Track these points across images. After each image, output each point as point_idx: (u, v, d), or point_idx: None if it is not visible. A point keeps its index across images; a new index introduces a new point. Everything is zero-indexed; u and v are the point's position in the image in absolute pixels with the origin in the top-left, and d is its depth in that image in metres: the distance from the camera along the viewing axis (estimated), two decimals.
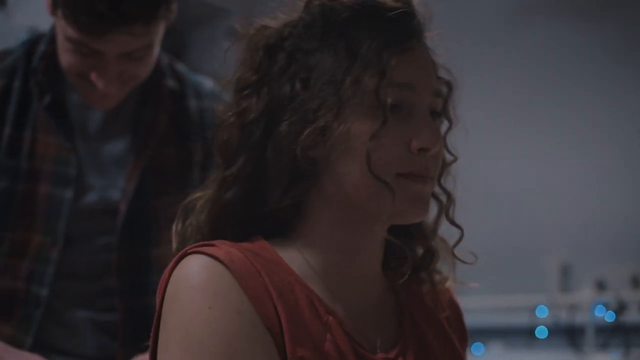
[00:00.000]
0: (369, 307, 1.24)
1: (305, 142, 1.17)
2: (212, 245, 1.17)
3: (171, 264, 1.17)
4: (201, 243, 1.18)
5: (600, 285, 3.85)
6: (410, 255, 1.27)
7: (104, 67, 1.69)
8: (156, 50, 1.76)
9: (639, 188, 3.91)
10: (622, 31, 3.96)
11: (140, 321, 1.80)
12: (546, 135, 3.84)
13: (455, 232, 1.27)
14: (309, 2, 1.24)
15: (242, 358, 1.11)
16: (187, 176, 1.84)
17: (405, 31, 1.22)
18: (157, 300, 1.17)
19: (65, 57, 1.72)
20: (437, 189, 1.24)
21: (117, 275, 1.80)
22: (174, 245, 1.26)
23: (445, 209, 1.27)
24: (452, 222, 1.27)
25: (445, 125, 1.25)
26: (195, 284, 1.14)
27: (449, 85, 1.25)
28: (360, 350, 1.19)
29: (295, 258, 1.21)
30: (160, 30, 1.73)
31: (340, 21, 1.21)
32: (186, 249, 1.17)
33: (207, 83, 1.95)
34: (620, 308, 3.70)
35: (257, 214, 1.22)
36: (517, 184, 3.51)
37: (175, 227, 1.28)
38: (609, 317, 3.69)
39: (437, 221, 1.29)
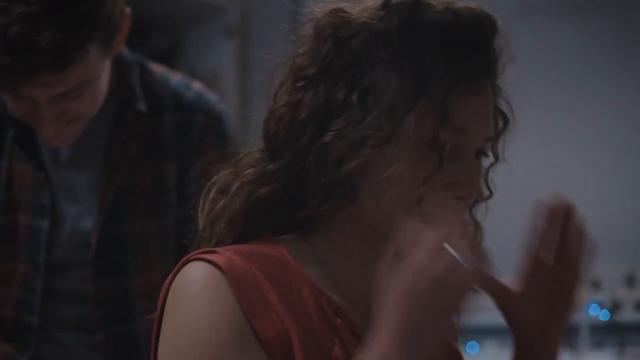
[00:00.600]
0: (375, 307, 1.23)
1: (349, 167, 1.14)
2: (214, 252, 1.15)
3: (174, 271, 1.16)
4: (204, 250, 1.16)
5: (595, 284, 3.85)
6: None
7: (39, 112, 1.61)
8: (101, 81, 1.66)
9: (635, 188, 3.91)
10: (621, 30, 3.96)
11: (125, 347, 1.79)
12: (541, 134, 3.84)
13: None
14: (391, 2, 1.16)
15: None
16: (162, 200, 1.80)
17: (480, 67, 1.16)
18: (158, 307, 1.16)
19: (6, 101, 1.66)
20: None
21: (95, 305, 1.77)
22: (200, 225, 1.23)
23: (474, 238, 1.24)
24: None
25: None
26: (191, 292, 1.13)
27: (506, 121, 1.22)
28: None
29: (309, 260, 1.20)
30: (94, 66, 1.61)
31: (418, 37, 1.14)
32: (189, 255, 1.16)
33: (191, 90, 1.86)
34: (614, 307, 3.70)
35: (289, 215, 1.19)
36: (511, 182, 3.51)
37: (202, 207, 1.23)
38: (603, 316, 3.69)
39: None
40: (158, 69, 1.88)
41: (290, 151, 1.17)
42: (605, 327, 3.68)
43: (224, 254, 1.14)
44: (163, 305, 1.15)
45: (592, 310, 3.70)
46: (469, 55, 1.15)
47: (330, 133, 1.14)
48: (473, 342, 3.61)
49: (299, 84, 1.17)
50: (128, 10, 1.68)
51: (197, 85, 1.88)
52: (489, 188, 1.25)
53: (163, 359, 1.12)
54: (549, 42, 3.94)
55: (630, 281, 3.88)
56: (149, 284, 1.77)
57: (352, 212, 1.17)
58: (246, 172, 1.20)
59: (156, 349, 1.15)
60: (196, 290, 1.12)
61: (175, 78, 1.88)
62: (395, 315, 1.02)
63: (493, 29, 1.19)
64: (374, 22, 1.15)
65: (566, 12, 4.03)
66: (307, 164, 1.16)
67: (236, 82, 4.03)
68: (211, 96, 1.89)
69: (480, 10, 1.18)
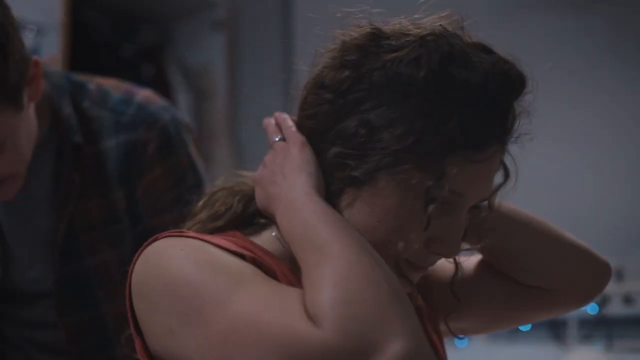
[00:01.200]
0: None
1: (342, 193, 1.16)
2: (183, 232, 1.16)
3: (140, 250, 1.15)
4: (171, 231, 1.17)
5: None
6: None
7: None
8: (21, 136, 1.59)
9: (625, 183, 3.92)
10: (611, 22, 3.96)
11: None
12: (531, 126, 3.85)
13: None
14: (427, 38, 1.13)
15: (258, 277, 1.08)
16: (116, 228, 1.76)
17: (494, 136, 1.14)
18: (127, 282, 1.15)
19: None
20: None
21: (67, 341, 1.75)
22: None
23: (452, 279, 1.28)
24: (455, 295, 1.28)
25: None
26: (167, 245, 1.13)
27: (506, 174, 1.21)
28: None
29: (272, 242, 1.22)
30: (6, 126, 1.54)
31: (440, 92, 1.11)
32: (158, 234, 1.16)
33: (132, 105, 1.79)
34: (603, 301, 3.71)
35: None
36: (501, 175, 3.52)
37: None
38: (592, 310, 3.70)
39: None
40: (97, 86, 1.81)
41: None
42: (593, 321, 3.68)
43: (196, 234, 1.16)
44: (130, 285, 1.15)
45: None
46: (486, 123, 1.13)
47: (333, 150, 1.16)
48: (462, 337, 3.61)
49: (316, 97, 1.18)
50: (34, 57, 1.60)
51: (140, 96, 1.81)
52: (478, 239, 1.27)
53: (157, 300, 1.10)
54: (537, 34, 3.94)
55: (618, 275, 3.89)
56: (120, 310, 1.77)
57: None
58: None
59: (136, 328, 1.16)
60: (170, 243, 1.13)
61: (116, 94, 1.80)
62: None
63: (520, 90, 1.17)
64: (402, 63, 1.12)
65: (555, 4, 4.03)
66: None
67: (225, 76, 4.02)
68: (155, 106, 1.81)
69: (514, 70, 1.16)
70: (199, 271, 1.08)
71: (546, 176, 3.91)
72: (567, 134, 3.94)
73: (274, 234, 1.23)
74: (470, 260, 1.39)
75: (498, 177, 1.21)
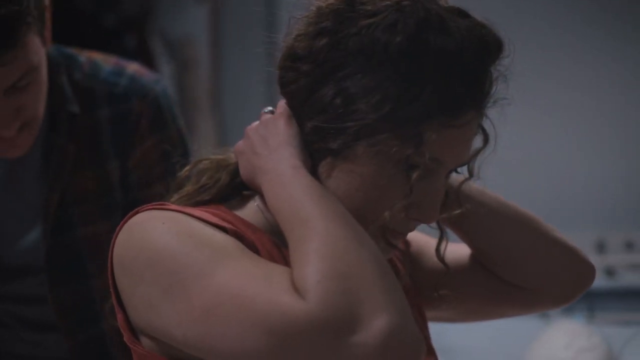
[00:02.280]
0: None
1: (320, 163, 1.17)
2: (165, 204, 1.17)
3: (122, 221, 1.15)
4: (153, 204, 1.17)
5: None
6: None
7: None
8: (42, 74, 1.62)
9: (606, 155, 3.93)
10: None
11: (94, 349, 1.78)
12: (513, 101, 3.85)
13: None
14: (403, 3, 1.13)
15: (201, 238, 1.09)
16: (109, 199, 1.76)
17: (471, 101, 1.13)
18: (109, 258, 1.16)
19: None
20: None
21: (57, 316, 1.74)
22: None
23: (437, 245, 1.27)
24: (441, 260, 1.27)
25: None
26: (149, 217, 1.13)
27: (486, 139, 1.20)
28: None
29: (254, 214, 1.22)
30: (35, 51, 1.57)
31: (417, 59, 1.11)
32: (140, 207, 1.16)
33: (123, 77, 1.81)
34: None
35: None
36: (485, 150, 3.52)
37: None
38: None
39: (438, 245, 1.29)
40: (88, 59, 1.81)
41: None
42: None
43: (178, 207, 1.16)
44: (112, 258, 1.15)
45: None
46: (463, 89, 1.12)
47: (311, 122, 1.15)
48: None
49: (290, 64, 1.18)
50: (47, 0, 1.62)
51: (131, 69, 1.82)
52: (460, 202, 1.26)
53: (137, 270, 1.10)
54: (524, 8, 3.93)
55: (600, 248, 3.90)
56: (109, 285, 1.77)
57: None
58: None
59: (118, 301, 1.16)
60: (152, 215, 1.13)
61: (107, 66, 1.81)
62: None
63: (497, 54, 1.16)
64: (378, 29, 1.11)
65: None
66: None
67: (208, 48, 4.01)
68: (147, 78, 1.82)
69: (491, 35, 1.15)
70: (181, 244, 1.07)
71: (529, 150, 3.92)
72: (550, 107, 3.95)
73: (256, 204, 1.23)
74: (459, 252, 1.38)
75: (477, 142, 1.20)
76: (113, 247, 1.15)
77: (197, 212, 1.14)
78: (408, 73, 1.10)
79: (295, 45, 1.17)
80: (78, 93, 1.76)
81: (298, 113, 1.18)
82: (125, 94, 1.78)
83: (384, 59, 1.11)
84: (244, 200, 1.25)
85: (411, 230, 1.20)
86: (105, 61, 1.82)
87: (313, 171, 1.16)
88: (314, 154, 1.17)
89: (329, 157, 1.16)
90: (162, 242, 1.08)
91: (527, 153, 3.90)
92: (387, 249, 1.18)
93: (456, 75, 1.11)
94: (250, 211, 1.23)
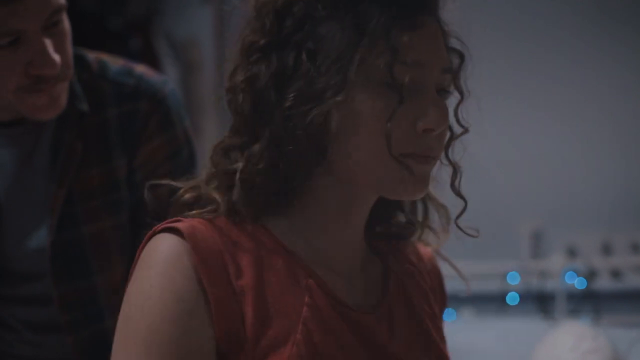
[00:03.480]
0: (353, 270, 1.26)
1: (311, 124, 1.16)
2: (179, 220, 1.18)
3: (144, 241, 1.19)
4: (171, 220, 1.19)
5: (571, 252, 3.87)
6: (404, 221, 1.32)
7: (38, 45, 1.59)
8: (66, 23, 1.64)
9: (612, 156, 3.93)
10: None
11: (97, 346, 1.78)
12: (517, 100, 3.85)
13: (455, 201, 1.27)
14: None
15: (161, 339, 1.12)
16: (115, 196, 1.77)
17: (417, 4, 1.18)
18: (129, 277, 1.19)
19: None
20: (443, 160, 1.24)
21: (61, 309, 1.75)
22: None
23: (451, 181, 1.26)
24: (458, 194, 1.27)
25: (455, 97, 1.23)
26: (151, 262, 1.16)
27: (461, 56, 1.23)
28: (344, 309, 1.20)
29: (281, 224, 1.22)
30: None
31: None
32: (158, 226, 1.18)
33: (132, 77, 1.82)
34: (590, 275, 3.72)
35: (277, 189, 1.21)
36: (489, 150, 3.52)
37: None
38: (579, 284, 3.71)
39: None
40: (96, 58, 1.83)
41: (260, 124, 1.19)
42: (581, 295, 3.70)
43: (188, 222, 1.18)
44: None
45: (568, 278, 3.72)
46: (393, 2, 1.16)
47: (290, 96, 1.16)
48: (450, 310, 3.63)
49: (252, 58, 1.20)
50: None
51: (139, 70, 1.83)
52: (460, 124, 1.26)
53: (118, 321, 1.16)
54: (525, 11, 3.94)
55: (606, 249, 3.90)
56: (113, 282, 1.77)
57: (325, 173, 1.20)
58: (235, 165, 1.22)
59: None
60: (155, 260, 1.16)
61: (116, 66, 1.82)
62: None
63: None
64: None
65: None
66: (278, 134, 1.17)
67: (213, 49, 4.01)
68: (155, 79, 1.83)
69: None
70: (150, 299, 1.14)
71: (534, 151, 3.91)
72: (556, 108, 3.94)
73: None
74: None
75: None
76: (135, 263, 1.19)
77: (196, 236, 1.16)
78: (350, 4, 1.16)
79: (251, 40, 1.21)
80: (87, 91, 1.77)
81: (280, 93, 1.18)
82: (134, 94, 1.79)
83: (325, 5, 1.17)
84: (277, 218, 1.24)
85: (432, 149, 1.19)
86: (113, 61, 1.83)
87: (315, 138, 1.17)
88: (307, 125, 1.16)
89: (329, 122, 1.16)
90: (143, 288, 1.15)
91: (532, 154, 3.90)
92: (419, 177, 1.18)
93: None
94: (277, 222, 1.23)
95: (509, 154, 3.72)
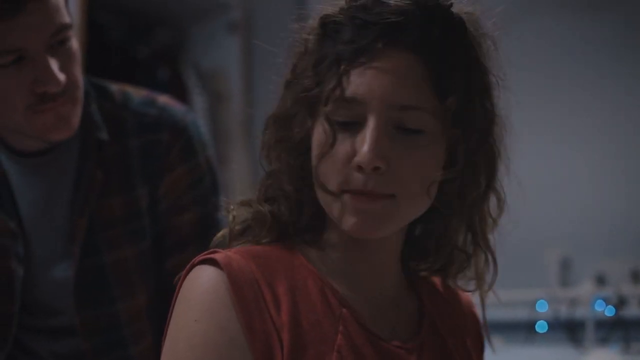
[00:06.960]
0: (386, 302, 1.25)
1: (293, 152, 1.24)
2: (216, 251, 1.19)
3: (184, 273, 1.20)
4: (209, 251, 1.20)
5: (600, 280, 3.84)
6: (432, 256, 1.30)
7: (41, 62, 1.59)
8: (75, 41, 1.65)
9: (638, 184, 3.91)
10: (619, 27, 3.96)
11: None
12: (545, 129, 3.84)
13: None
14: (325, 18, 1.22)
15: None
16: (137, 225, 1.78)
17: (375, 36, 1.16)
18: (170, 309, 1.21)
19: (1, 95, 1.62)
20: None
21: (84, 338, 1.76)
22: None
23: (482, 233, 1.29)
24: (487, 247, 1.30)
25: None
26: (192, 296, 1.18)
27: (451, 94, 1.17)
28: (376, 340, 1.20)
29: (315, 254, 1.23)
30: (65, 13, 1.61)
31: (330, 29, 1.21)
32: (195, 259, 1.20)
33: (154, 107, 1.83)
34: (620, 302, 3.70)
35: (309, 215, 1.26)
36: (516, 178, 3.51)
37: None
38: (608, 311, 3.69)
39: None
40: (119, 89, 1.84)
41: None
42: (610, 323, 3.67)
43: (224, 253, 1.19)
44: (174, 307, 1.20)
45: (597, 306, 3.70)
46: (365, 24, 1.16)
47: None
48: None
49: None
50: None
51: (161, 100, 1.85)
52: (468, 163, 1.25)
53: (163, 357, 1.17)
54: (546, 39, 3.94)
55: (635, 277, 3.88)
56: (135, 309, 1.78)
57: None
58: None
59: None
60: (196, 294, 1.17)
61: (138, 97, 1.83)
62: None
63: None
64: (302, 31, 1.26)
65: (562, 9, 4.03)
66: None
67: (240, 78, 4.02)
68: (177, 109, 1.85)
69: None
70: (193, 332, 1.15)
71: (562, 178, 3.91)
72: (580, 136, 3.94)
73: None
74: None
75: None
76: (176, 296, 1.21)
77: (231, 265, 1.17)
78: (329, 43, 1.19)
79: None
80: (108, 121, 1.78)
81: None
82: (156, 124, 1.80)
83: (318, 48, 1.21)
84: (309, 244, 1.25)
85: (368, 183, 1.15)
86: (137, 93, 1.85)
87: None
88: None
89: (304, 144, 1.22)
90: (183, 337, 1.16)
91: (560, 182, 3.89)
92: (359, 213, 1.16)
93: (344, 30, 1.18)
94: (312, 253, 1.24)
95: (537, 182, 3.72)
